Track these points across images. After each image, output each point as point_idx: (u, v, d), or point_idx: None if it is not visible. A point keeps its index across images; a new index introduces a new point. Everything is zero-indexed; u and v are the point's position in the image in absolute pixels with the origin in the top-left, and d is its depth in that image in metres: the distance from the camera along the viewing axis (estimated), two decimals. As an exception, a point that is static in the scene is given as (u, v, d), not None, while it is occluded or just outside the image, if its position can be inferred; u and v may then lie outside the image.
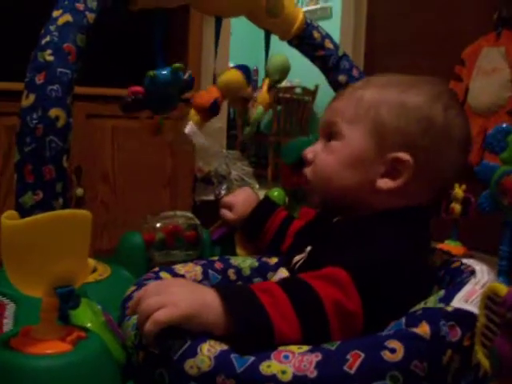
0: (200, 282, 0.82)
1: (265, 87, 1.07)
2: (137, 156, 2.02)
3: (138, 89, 0.96)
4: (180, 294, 0.59)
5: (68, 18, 0.78)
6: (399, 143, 0.74)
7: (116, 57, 2.16)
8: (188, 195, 2.10)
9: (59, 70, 0.75)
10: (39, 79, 0.74)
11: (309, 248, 0.78)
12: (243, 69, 1.05)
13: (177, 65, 0.96)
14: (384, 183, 0.75)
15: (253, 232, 0.99)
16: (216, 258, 0.90)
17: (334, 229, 0.80)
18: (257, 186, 1.36)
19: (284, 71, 1.04)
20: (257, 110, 1.05)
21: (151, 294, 0.59)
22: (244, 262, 0.90)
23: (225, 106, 2.20)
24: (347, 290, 0.61)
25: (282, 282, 0.64)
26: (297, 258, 0.79)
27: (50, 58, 0.75)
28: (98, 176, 1.99)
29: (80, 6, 0.80)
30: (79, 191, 1.81)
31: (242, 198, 1.01)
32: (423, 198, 0.77)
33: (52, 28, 0.77)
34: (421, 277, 0.70)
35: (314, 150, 0.82)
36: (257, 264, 0.90)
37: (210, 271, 0.85)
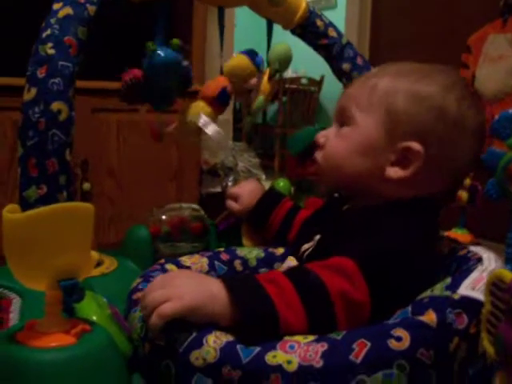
0: (206, 273, 0.83)
1: (265, 77, 1.06)
2: (142, 150, 2.02)
3: (137, 72, 0.95)
4: (185, 286, 0.59)
5: (68, 10, 0.78)
6: (411, 132, 0.73)
7: (120, 50, 2.15)
8: (194, 188, 2.10)
9: (60, 63, 0.75)
10: (41, 73, 0.74)
11: (318, 236, 0.78)
12: (250, 54, 1.04)
13: (175, 40, 0.95)
14: (394, 172, 0.74)
15: (259, 223, 0.99)
16: (222, 249, 0.90)
17: (343, 217, 0.80)
18: (263, 177, 1.35)
19: (285, 60, 1.03)
20: (258, 99, 1.04)
21: (156, 287, 0.59)
22: (250, 252, 0.90)
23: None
24: (354, 279, 0.61)
25: (288, 272, 0.64)
26: (305, 246, 0.79)
27: (51, 52, 0.74)
28: (104, 170, 1.99)
29: (81, -1, 0.80)
30: (86, 185, 1.82)
31: (247, 189, 1.01)
32: (434, 188, 0.76)
33: (52, 21, 0.76)
34: (429, 266, 0.70)
35: (326, 135, 0.82)
36: (263, 255, 0.90)
37: (216, 262, 0.85)
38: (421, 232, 0.71)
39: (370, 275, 0.61)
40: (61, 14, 0.77)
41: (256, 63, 1.03)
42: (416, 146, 0.73)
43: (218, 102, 1.05)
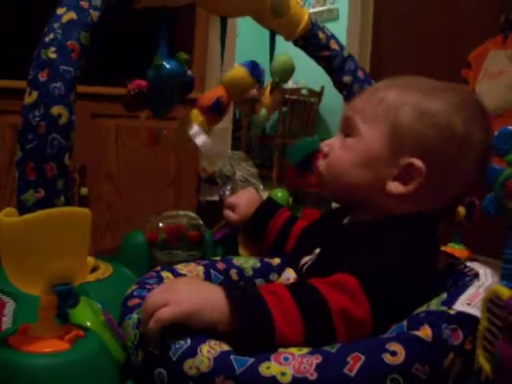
0: (202, 282, 0.82)
1: (267, 89, 1.06)
2: (141, 155, 2.02)
3: (142, 82, 0.96)
4: (184, 292, 0.60)
5: (72, 15, 0.78)
6: (414, 148, 0.73)
7: (121, 56, 2.16)
8: (192, 195, 2.10)
9: (62, 67, 0.75)
10: (42, 76, 0.74)
11: (318, 250, 0.78)
12: (249, 65, 1.04)
13: (183, 54, 0.96)
14: (395, 187, 0.74)
15: (256, 232, 0.99)
16: (218, 258, 0.89)
17: (344, 231, 0.80)
18: (261, 187, 1.35)
19: (287, 71, 1.03)
20: (260, 113, 1.05)
21: (157, 293, 0.60)
22: (246, 262, 0.90)
23: (231, 107, 2.19)
24: (356, 297, 0.60)
25: (291, 286, 0.65)
26: (305, 259, 0.79)
27: (53, 56, 0.74)
28: (103, 175, 1.99)
29: (84, 4, 0.80)
30: (84, 190, 1.81)
31: (245, 199, 1.01)
32: (434, 205, 0.75)
33: (56, 25, 0.76)
34: (429, 282, 0.69)
35: (331, 144, 0.81)
36: (259, 265, 0.90)
37: (212, 271, 0.85)
38: (422, 248, 0.71)
39: (372, 293, 0.61)
40: (64, 18, 0.77)
41: (254, 75, 1.03)
42: (418, 163, 0.72)
43: (212, 112, 1.05)
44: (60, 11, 0.78)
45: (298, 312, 0.58)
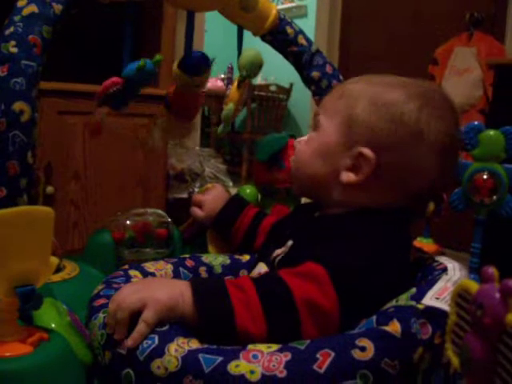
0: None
1: (235, 84, 1.05)
2: (109, 153, 1.99)
3: (117, 79, 0.94)
4: (158, 288, 0.61)
5: (33, 8, 0.76)
6: (366, 139, 0.74)
7: (88, 53, 2.13)
8: (161, 193, 2.08)
9: (23, 62, 0.73)
10: (2, 71, 0.72)
11: (290, 242, 0.77)
12: (185, 58, 1.01)
13: (159, 56, 0.95)
14: (347, 176, 0.74)
15: (223, 230, 0.98)
16: (187, 255, 0.88)
17: (316, 224, 0.80)
18: (230, 183, 1.34)
19: (254, 65, 1.01)
20: (227, 107, 1.03)
21: (130, 293, 0.60)
22: (216, 259, 0.89)
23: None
24: (323, 286, 0.61)
25: (257, 278, 0.65)
26: (277, 251, 0.78)
27: (14, 50, 0.73)
28: (69, 174, 1.95)
29: (46, -3, 0.78)
30: (49, 189, 1.78)
31: (212, 196, 1.00)
32: (390, 199, 0.75)
33: (16, 18, 0.74)
34: (399, 277, 0.69)
35: (300, 140, 0.84)
36: (228, 261, 0.90)
37: (181, 269, 0.84)
38: (392, 242, 0.71)
39: (339, 284, 0.61)
40: (25, 11, 0.75)
41: (183, 68, 1.01)
42: (367, 152, 0.73)
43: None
44: (21, 3, 0.76)
45: (259, 303, 0.59)
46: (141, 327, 0.57)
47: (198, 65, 1.01)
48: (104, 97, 0.95)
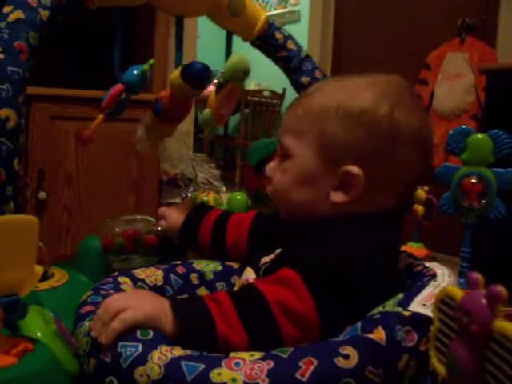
0: (161, 286, 0.81)
1: (213, 88, 1.05)
2: (101, 159, 1.98)
3: (120, 87, 0.94)
4: (144, 298, 0.62)
5: (19, 14, 0.76)
6: (347, 155, 0.71)
7: (80, 58, 2.12)
8: (154, 198, 2.07)
9: (10, 68, 0.73)
10: (-12, 78, 0.71)
11: (279, 250, 0.76)
12: (188, 66, 1.01)
13: (151, 61, 0.95)
14: (338, 197, 0.72)
15: (189, 238, 0.97)
16: (178, 262, 0.88)
17: (302, 230, 0.79)
18: (224, 188, 1.34)
19: (237, 71, 0.99)
20: (204, 112, 1.04)
21: (119, 298, 0.62)
22: (207, 266, 0.88)
23: (192, 108, 2.17)
24: (298, 290, 0.61)
25: (233, 291, 0.68)
26: (265, 259, 0.77)
27: (0, 56, 0.72)
28: (62, 179, 1.94)
29: (33, 3, 0.77)
30: (42, 195, 1.77)
31: (176, 208, 1.01)
32: (382, 202, 0.74)
33: (2, 25, 0.74)
34: (381, 281, 0.68)
35: (273, 168, 0.80)
36: (220, 268, 0.89)
37: (171, 275, 0.83)
38: (376, 243, 0.70)
39: (312, 284, 0.61)
40: (11, 17, 0.75)
41: (185, 76, 1.01)
42: (354, 169, 0.70)
43: (153, 112, 1.05)
44: (6, 9, 0.76)
45: (236, 313, 0.60)
46: (115, 324, 0.57)
47: (201, 77, 1.00)
48: (115, 107, 0.95)
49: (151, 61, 0.94)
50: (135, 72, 0.94)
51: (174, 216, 0.98)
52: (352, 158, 0.71)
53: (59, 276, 0.96)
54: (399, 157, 0.72)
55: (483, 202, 1.05)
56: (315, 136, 0.73)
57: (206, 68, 0.99)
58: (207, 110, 1.03)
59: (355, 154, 0.71)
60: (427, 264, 0.75)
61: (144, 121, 1.06)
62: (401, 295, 0.63)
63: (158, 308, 0.60)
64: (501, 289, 0.39)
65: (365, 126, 0.71)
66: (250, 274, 0.78)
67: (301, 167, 0.74)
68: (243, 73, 0.96)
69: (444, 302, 0.44)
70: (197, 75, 0.98)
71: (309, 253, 0.67)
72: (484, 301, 0.40)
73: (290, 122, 0.78)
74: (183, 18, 1.02)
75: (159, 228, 1.05)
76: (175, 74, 1.01)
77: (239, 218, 0.94)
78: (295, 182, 0.75)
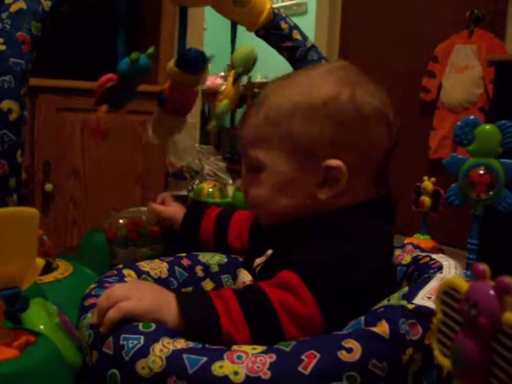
0: (166, 278, 0.81)
1: (230, 80, 1.04)
2: (108, 150, 1.98)
3: (112, 76, 0.93)
4: (146, 291, 0.62)
5: (22, 5, 0.75)
6: (323, 150, 0.70)
7: (86, 49, 2.12)
8: (160, 191, 2.07)
9: (12, 59, 0.72)
10: (-10, 69, 0.71)
11: (270, 251, 0.75)
12: (183, 54, 1.00)
13: (151, 49, 0.94)
14: (324, 194, 0.71)
15: (190, 236, 0.97)
16: (183, 254, 0.87)
17: (291, 229, 0.76)
18: (230, 181, 1.33)
19: (249, 61, 1.00)
20: (221, 103, 1.02)
21: (120, 287, 0.62)
22: (212, 258, 0.88)
23: (198, 100, 2.16)
24: (299, 293, 0.60)
25: (239, 289, 0.66)
26: (257, 260, 0.76)
27: (2, 47, 0.72)
28: (68, 171, 1.94)
29: (35, -7, 0.77)
30: (48, 186, 1.78)
31: (171, 206, 1.02)
32: (363, 192, 0.73)
33: (4, 15, 0.73)
34: (380, 275, 0.67)
35: (246, 183, 0.78)
36: (225, 260, 0.89)
37: (176, 268, 0.83)
38: (368, 237, 0.69)
39: (313, 285, 0.60)
40: (13, 8, 0.74)
41: (181, 66, 1.00)
42: (335, 162, 0.69)
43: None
44: (9, 0, 0.75)
45: (240, 310, 0.59)
46: (112, 313, 0.57)
47: (195, 63, 0.99)
48: (101, 94, 0.94)
49: (151, 49, 0.93)
50: (126, 62, 0.93)
51: (175, 207, 0.99)
52: (328, 151, 0.70)
53: (64, 268, 0.96)
54: (369, 136, 0.71)
55: (491, 193, 1.04)
56: (284, 140, 0.71)
57: (199, 53, 0.98)
58: (225, 102, 1.01)
59: (330, 146, 0.70)
60: (434, 256, 0.74)
61: (153, 115, 1.06)
62: (406, 288, 0.63)
63: (160, 301, 0.60)
64: (509, 280, 0.38)
65: (331, 116, 0.70)
66: (245, 277, 0.77)
67: (278, 176, 0.72)
68: (252, 64, 0.96)
69: (447, 293, 0.43)
70: (190, 60, 0.97)
71: (305, 253, 0.66)
72: (492, 292, 0.39)
73: (250, 135, 0.76)
74: (187, 8, 1.02)
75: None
76: (172, 62, 1.00)
77: (241, 217, 0.94)
78: (275, 192, 0.73)
